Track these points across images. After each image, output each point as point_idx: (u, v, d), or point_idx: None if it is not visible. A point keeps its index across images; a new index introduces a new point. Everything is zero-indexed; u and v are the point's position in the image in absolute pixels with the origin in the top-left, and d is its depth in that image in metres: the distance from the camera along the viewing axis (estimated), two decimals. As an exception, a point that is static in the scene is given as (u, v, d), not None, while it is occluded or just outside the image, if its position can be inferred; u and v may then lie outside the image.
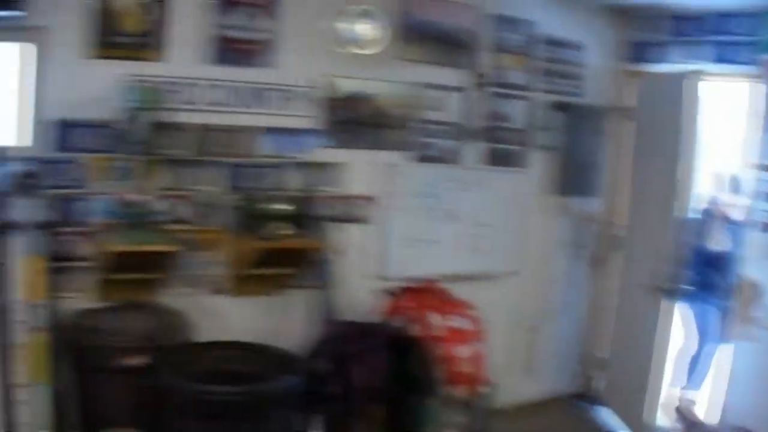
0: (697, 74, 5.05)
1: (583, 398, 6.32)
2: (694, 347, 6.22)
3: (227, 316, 4.73)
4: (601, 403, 6.09)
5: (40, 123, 4.22)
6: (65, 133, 4.25)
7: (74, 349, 4.10)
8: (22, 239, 3.72)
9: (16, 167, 3.87)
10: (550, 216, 6.05)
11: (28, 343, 3.75)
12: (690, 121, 5.02)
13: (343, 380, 4.37)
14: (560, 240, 6.15)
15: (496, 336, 4.63)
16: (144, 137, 4.17)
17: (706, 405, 5.91)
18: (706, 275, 5.98)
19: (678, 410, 5.96)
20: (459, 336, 4.39)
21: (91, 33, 4.25)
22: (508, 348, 5.70)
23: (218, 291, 4.75)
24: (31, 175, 3.78)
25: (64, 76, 4.22)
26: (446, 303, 4.59)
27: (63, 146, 4.26)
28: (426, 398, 4.33)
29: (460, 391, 4.31)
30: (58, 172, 4.25)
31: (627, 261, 6.01)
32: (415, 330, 4.44)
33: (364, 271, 5.16)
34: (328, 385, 4.41)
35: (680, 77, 5.23)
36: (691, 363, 6.18)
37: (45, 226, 3.80)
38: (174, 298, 4.55)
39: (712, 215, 6.16)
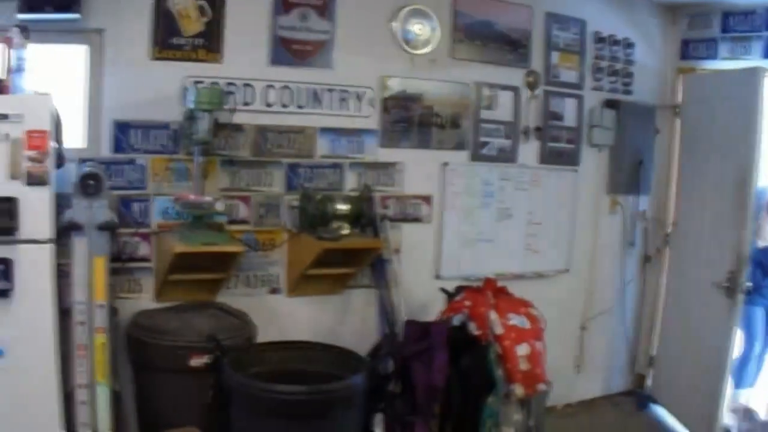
0: (762, 71, 4.99)
1: (634, 396, 6.27)
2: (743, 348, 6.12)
3: (287, 316, 4.76)
4: (654, 402, 6.05)
5: (100, 124, 4.26)
6: (125, 134, 4.29)
7: (136, 349, 4.14)
8: (84, 240, 3.73)
9: (78, 168, 3.89)
10: (602, 214, 6.02)
11: (89, 343, 3.74)
12: (756, 117, 4.96)
13: (403, 379, 4.38)
14: (612, 238, 6.12)
15: (547, 334, 4.60)
16: (203, 138, 4.17)
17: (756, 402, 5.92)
18: (752, 273, 5.59)
19: (732, 410, 5.90)
20: (518, 334, 4.35)
21: (149, 35, 4.29)
22: (560, 346, 5.65)
23: (278, 291, 4.78)
24: (93, 176, 3.78)
25: (123, 77, 4.26)
26: (505, 301, 4.55)
27: (123, 147, 4.30)
28: (486, 396, 4.31)
29: (519, 390, 4.27)
30: (119, 173, 4.29)
31: (680, 258, 5.96)
32: (475, 328, 4.41)
33: (421, 270, 5.18)
34: (389, 384, 4.42)
35: (745, 73, 5.16)
36: (740, 363, 6.09)
37: (107, 227, 3.80)
38: (235, 298, 4.58)
39: (758, 210, 5.73)
